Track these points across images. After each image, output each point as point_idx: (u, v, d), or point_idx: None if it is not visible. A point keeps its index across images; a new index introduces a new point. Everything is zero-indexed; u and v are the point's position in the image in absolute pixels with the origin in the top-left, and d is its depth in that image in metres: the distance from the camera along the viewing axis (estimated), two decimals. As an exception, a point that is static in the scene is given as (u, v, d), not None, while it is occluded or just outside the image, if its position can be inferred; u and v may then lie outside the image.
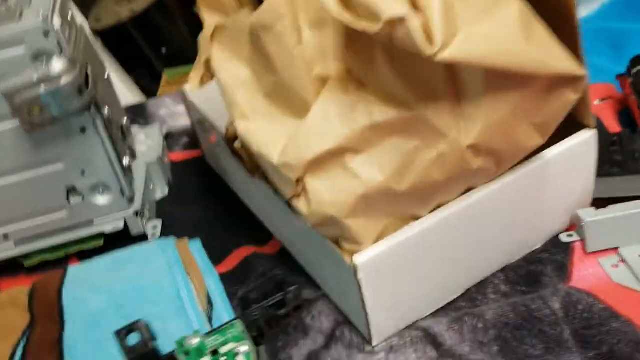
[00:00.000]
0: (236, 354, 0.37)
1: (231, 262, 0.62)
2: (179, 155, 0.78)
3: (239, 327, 0.39)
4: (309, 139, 0.45)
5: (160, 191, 0.72)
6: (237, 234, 0.65)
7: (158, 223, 0.67)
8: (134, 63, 1.01)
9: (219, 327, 0.39)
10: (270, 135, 0.47)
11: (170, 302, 0.52)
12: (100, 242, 0.64)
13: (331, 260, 0.51)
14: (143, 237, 0.66)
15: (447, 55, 0.39)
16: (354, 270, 0.48)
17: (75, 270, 0.58)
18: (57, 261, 0.64)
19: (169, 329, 0.50)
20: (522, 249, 0.57)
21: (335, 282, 0.54)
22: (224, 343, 0.38)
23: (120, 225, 0.64)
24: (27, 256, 0.64)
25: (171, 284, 0.54)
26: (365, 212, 0.47)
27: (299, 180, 0.46)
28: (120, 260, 0.58)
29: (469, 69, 0.43)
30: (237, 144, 0.61)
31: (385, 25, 0.38)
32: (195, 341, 0.38)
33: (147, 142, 0.74)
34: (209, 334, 0.39)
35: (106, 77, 0.65)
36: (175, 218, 0.69)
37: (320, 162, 0.46)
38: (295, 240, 0.59)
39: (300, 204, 0.48)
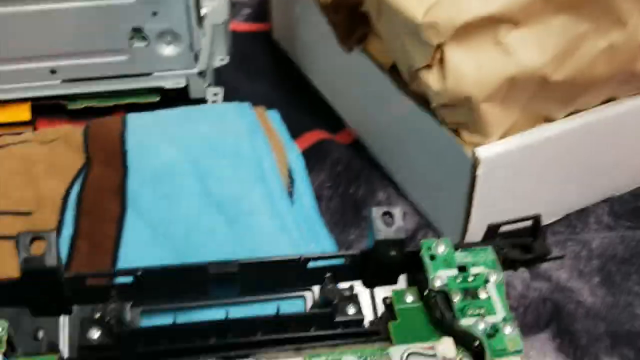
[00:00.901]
0: (487, 280, 0.33)
1: (302, 144, 0.55)
2: (239, 26, 0.70)
3: (491, 254, 0.35)
4: (468, -2, 0.38)
5: (220, 59, 0.65)
6: (307, 115, 0.58)
7: (220, 90, 0.60)
8: None
9: (468, 245, 0.35)
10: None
11: (250, 168, 0.45)
12: (156, 98, 0.57)
13: (438, 150, 0.44)
14: (201, 103, 0.58)
15: None
16: (474, 164, 0.41)
17: (136, 117, 0.50)
18: (103, 110, 0.57)
19: (251, 196, 0.43)
20: (632, 181, 0.51)
21: (428, 177, 0.47)
22: (473, 264, 0.34)
23: (182, 82, 0.56)
24: (72, 98, 0.56)
25: (251, 149, 0.46)
26: (504, 99, 0.41)
27: (439, 47, 0.39)
28: (191, 114, 0.50)
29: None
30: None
31: None
32: (441, 249, 0.34)
33: (211, 3, 0.66)
34: (456, 248, 0.35)
35: None
36: (237, 90, 0.61)
37: (471, 29, 0.38)
38: (381, 126, 0.52)
39: (432, 77, 0.40)
